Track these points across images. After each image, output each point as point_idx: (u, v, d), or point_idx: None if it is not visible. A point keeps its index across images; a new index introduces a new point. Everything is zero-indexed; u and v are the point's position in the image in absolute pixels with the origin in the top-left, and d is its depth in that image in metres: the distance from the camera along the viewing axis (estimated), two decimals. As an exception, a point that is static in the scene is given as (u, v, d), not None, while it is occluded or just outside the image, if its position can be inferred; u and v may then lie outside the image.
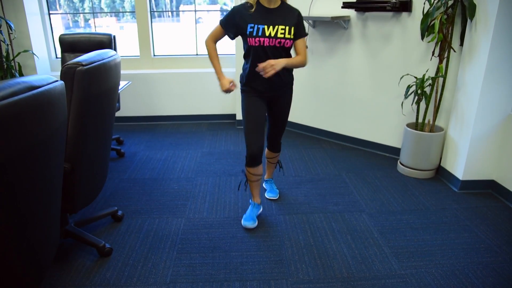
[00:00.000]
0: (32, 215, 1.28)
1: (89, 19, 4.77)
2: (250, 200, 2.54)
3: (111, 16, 8.09)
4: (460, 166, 2.88)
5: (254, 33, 2.12)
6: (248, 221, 2.41)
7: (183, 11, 5.91)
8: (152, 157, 3.55)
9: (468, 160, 2.82)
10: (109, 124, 2.13)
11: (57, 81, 1.31)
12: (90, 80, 1.74)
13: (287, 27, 2.13)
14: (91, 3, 4.66)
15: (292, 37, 2.15)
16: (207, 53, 2.30)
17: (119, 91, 3.27)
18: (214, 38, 2.28)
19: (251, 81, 2.26)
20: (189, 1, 4.82)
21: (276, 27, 2.12)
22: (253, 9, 2.14)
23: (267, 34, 2.11)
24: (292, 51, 2.27)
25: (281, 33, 2.12)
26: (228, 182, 3.05)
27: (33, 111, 1.16)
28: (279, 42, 2.14)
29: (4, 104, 1.04)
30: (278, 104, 2.39)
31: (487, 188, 2.90)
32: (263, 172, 2.46)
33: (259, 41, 2.12)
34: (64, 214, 2.18)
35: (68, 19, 6.36)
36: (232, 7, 2.24)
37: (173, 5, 6.14)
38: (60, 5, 5.28)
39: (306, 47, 3.81)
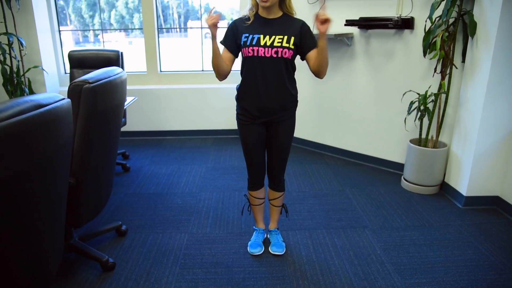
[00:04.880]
0: (36, 229, 1.30)
1: (98, 34, 4.89)
2: (254, 227, 2.45)
3: (120, 31, 8.26)
4: (464, 182, 2.87)
5: (248, 43, 1.99)
6: (254, 248, 2.32)
7: (190, 27, 6.02)
8: (157, 172, 3.59)
9: (472, 175, 2.82)
10: (115, 140, 2.18)
11: (64, 99, 1.35)
12: (96, 97, 1.79)
13: (285, 37, 1.96)
14: (100, 19, 4.78)
15: (291, 46, 1.96)
16: (212, 69, 2.06)
17: (125, 107, 3.33)
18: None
19: (242, 98, 2.11)
20: (196, 17, 4.92)
21: (273, 36, 1.97)
22: (250, 21, 2.02)
23: (261, 43, 1.97)
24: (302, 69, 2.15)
25: (278, 42, 1.96)
26: (232, 197, 3.07)
27: (40, 128, 1.20)
28: (276, 52, 1.96)
29: (12, 122, 1.08)
30: (275, 132, 2.14)
31: (492, 204, 2.88)
32: (265, 195, 2.39)
33: (253, 50, 1.98)
34: (69, 228, 2.21)
35: (78, 34, 6.51)
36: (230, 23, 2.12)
37: (181, 20, 6.25)
38: (70, 20, 5.42)
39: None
